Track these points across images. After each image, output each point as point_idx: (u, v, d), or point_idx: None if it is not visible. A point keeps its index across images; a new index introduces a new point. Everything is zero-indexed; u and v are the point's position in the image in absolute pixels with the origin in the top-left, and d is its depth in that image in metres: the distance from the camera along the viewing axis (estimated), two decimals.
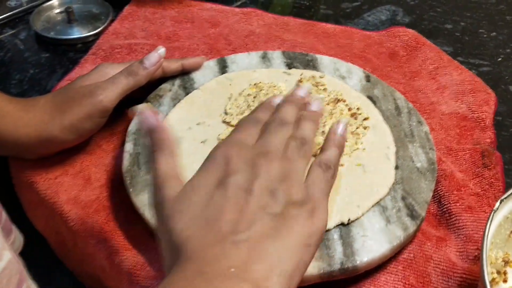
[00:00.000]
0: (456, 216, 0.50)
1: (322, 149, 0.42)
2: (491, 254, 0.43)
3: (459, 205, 0.50)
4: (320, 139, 0.53)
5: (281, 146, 0.39)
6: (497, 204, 0.41)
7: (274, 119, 0.41)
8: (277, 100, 0.44)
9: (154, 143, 0.38)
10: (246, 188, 0.35)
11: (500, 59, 0.71)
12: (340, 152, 0.42)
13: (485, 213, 0.50)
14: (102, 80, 0.53)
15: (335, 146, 0.42)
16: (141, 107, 0.38)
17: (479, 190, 0.52)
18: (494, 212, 0.41)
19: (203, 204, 0.35)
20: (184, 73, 0.61)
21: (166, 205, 0.35)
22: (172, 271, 0.32)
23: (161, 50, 0.55)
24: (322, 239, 0.36)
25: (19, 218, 0.51)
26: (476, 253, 0.47)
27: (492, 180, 0.53)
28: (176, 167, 0.38)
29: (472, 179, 0.53)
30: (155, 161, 0.37)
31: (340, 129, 0.43)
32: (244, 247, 0.33)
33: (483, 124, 0.60)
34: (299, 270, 0.33)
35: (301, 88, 0.46)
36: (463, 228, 0.49)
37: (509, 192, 0.42)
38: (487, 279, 0.37)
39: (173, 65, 0.59)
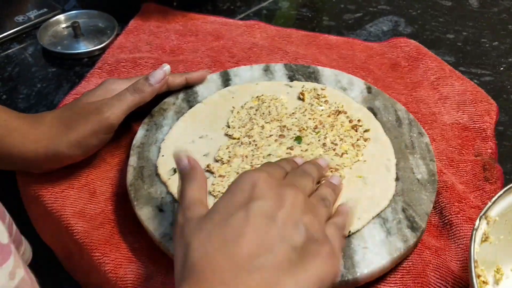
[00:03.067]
0: (457, 227, 0.50)
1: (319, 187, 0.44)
2: (482, 269, 0.43)
3: (460, 216, 0.51)
4: (320, 151, 0.53)
5: (306, 189, 0.40)
6: (477, 222, 0.42)
7: (298, 169, 0.43)
8: (299, 160, 0.47)
9: (184, 174, 0.41)
10: (269, 215, 0.35)
11: (502, 68, 0.72)
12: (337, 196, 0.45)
13: None
14: (108, 96, 0.54)
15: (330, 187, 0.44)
16: (176, 152, 0.43)
17: (480, 203, 0.52)
18: (475, 231, 0.41)
19: (223, 224, 0.35)
20: (188, 87, 0.62)
21: (189, 224, 0.36)
22: (184, 285, 0.33)
23: (166, 67, 0.56)
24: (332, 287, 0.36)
25: (26, 230, 0.52)
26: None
27: (493, 195, 0.53)
28: (202, 195, 0.39)
29: (473, 191, 0.54)
30: (183, 190, 0.39)
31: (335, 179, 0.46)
32: (258, 276, 0.32)
33: (484, 135, 0.60)
34: None
35: (323, 159, 0.48)
36: (464, 238, 0.50)
37: (489, 204, 0.43)
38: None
39: (178, 80, 0.60)
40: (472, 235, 0.41)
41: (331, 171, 0.51)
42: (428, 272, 0.47)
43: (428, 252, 0.48)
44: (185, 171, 0.41)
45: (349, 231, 0.46)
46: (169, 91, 0.61)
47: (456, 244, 0.49)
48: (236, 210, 0.35)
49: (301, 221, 0.36)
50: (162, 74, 0.56)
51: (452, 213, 0.51)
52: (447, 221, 0.51)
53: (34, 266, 0.44)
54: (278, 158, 0.52)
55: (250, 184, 0.37)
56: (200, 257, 0.34)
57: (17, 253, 0.36)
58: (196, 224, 0.36)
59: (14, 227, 0.48)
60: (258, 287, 0.32)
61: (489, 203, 0.43)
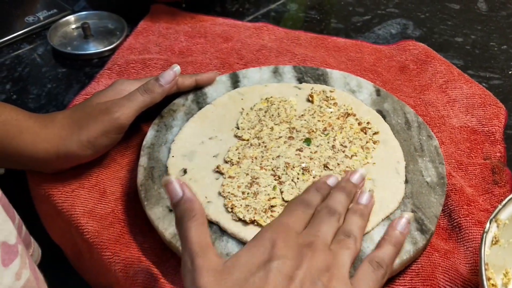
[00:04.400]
0: (466, 230, 0.50)
1: (378, 246, 0.42)
2: (491, 272, 0.43)
3: (469, 219, 0.51)
4: (329, 153, 0.54)
5: (328, 237, 0.40)
6: (487, 225, 0.42)
7: (324, 207, 0.42)
8: (331, 182, 0.45)
9: (183, 213, 0.39)
10: (288, 275, 0.36)
11: (510, 72, 0.72)
12: (397, 252, 0.41)
13: None
14: (118, 96, 0.54)
15: (391, 244, 0.41)
16: (166, 179, 0.40)
17: (489, 207, 0.52)
18: (485, 234, 0.41)
19: (243, 283, 0.35)
20: (198, 88, 0.62)
21: (203, 274, 0.36)
22: None
23: (176, 68, 0.57)
24: None
25: (35, 231, 0.52)
26: None
27: (502, 198, 0.53)
28: (208, 237, 0.39)
29: (482, 194, 0.54)
30: (186, 230, 0.38)
31: (400, 225, 0.43)
32: None
33: (493, 138, 0.60)
34: None
35: (355, 174, 0.46)
36: (473, 241, 0.50)
37: (499, 207, 0.43)
38: None
39: (187, 81, 0.60)
40: (482, 237, 0.41)
41: (344, 174, 0.51)
42: (437, 275, 0.47)
43: (437, 254, 0.48)
44: (182, 207, 0.39)
45: None
46: (179, 92, 0.61)
47: (465, 247, 0.49)
48: (257, 269, 0.36)
49: (319, 280, 0.36)
50: (172, 75, 0.56)
51: (461, 216, 0.51)
52: (456, 224, 0.51)
53: (43, 266, 0.44)
54: (288, 159, 0.52)
55: (270, 242, 0.38)
56: None
57: (25, 254, 0.36)
58: (213, 277, 0.36)
59: (24, 228, 0.48)
60: None
61: (499, 206, 0.43)
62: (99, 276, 0.54)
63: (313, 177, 0.51)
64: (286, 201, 0.49)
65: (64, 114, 0.54)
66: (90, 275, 0.57)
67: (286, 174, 0.51)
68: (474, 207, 0.52)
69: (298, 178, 0.51)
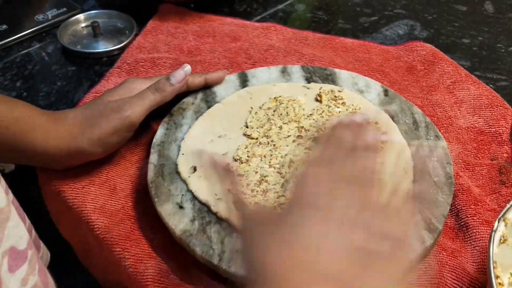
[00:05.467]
0: (473, 229, 0.51)
1: None
2: (499, 271, 0.44)
3: (476, 219, 0.51)
4: None
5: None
6: (496, 224, 0.42)
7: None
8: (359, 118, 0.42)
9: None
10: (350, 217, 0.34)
11: None
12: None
13: None
14: (129, 95, 0.55)
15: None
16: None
17: (496, 206, 0.53)
18: (494, 232, 0.41)
19: (294, 231, 0.33)
20: (207, 87, 0.62)
21: (261, 230, 0.35)
22: None
23: (187, 68, 0.57)
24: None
25: (45, 232, 0.53)
26: None
27: (510, 198, 0.53)
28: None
29: (489, 194, 0.54)
30: (236, 192, 0.38)
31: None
32: (332, 283, 0.31)
33: (500, 139, 0.61)
34: None
35: (359, 118, 0.43)
36: (480, 240, 0.50)
37: (507, 207, 0.43)
38: None
39: (197, 80, 0.61)
40: (490, 236, 0.41)
41: None
42: (444, 273, 0.47)
43: (444, 253, 0.48)
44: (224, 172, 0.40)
45: None
46: (188, 91, 0.62)
47: (472, 246, 0.50)
48: (308, 214, 0.34)
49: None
50: (183, 75, 0.56)
51: (468, 216, 0.51)
52: (463, 223, 0.51)
53: (51, 267, 0.45)
54: (295, 157, 0.53)
55: (315, 187, 0.36)
56: (275, 263, 0.32)
57: (35, 259, 0.36)
58: (270, 230, 0.34)
59: (33, 232, 0.48)
60: None
61: (508, 206, 0.43)
62: (108, 272, 0.54)
63: None
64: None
65: (76, 112, 0.54)
66: (99, 271, 0.57)
67: (290, 171, 0.52)
68: (481, 207, 0.52)
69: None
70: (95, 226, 0.51)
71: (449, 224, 0.52)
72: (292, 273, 0.31)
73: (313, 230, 0.33)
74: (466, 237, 0.51)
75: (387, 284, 0.31)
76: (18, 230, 0.36)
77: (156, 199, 0.50)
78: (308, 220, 0.33)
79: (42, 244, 0.51)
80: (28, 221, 0.47)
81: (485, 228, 0.50)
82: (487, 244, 0.49)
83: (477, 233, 0.50)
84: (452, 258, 0.48)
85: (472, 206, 0.52)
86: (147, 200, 0.52)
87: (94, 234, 0.52)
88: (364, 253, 0.32)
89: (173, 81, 0.56)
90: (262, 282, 0.32)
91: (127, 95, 0.55)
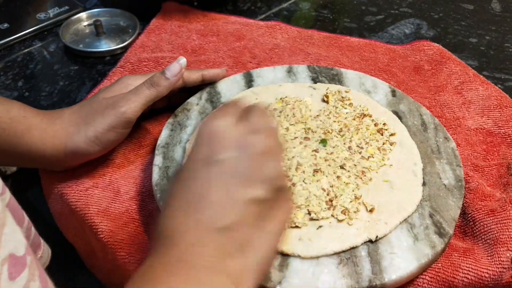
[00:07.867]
0: (480, 222, 0.49)
1: None
2: None
3: (482, 211, 0.50)
4: (345, 154, 0.53)
5: None
6: None
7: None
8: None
9: None
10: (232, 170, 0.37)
11: None
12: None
13: (509, 213, 0.49)
14: (124, 91, 0.54)
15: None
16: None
17: (504, 196, 0.51)
18: None
19: (187, 184, 0.37)
20: (211, 87, 0.61)
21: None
22: (155, 252, 0.36)
23: (182, 60, 0.56)
24: None
25: (46, 231, 0.52)
26: (508, 254, 0.46)
27: None
28: None
29: (499, 189, 0.53)
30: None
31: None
32: (225, 235, 0.34)
33: (509, 140, 0.60)
34: (272, 257, 0.37)
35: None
36: (489, 232, 0.48)
37: None
38: None
39: (194, 76, 0.60)
40: None
41: (361, 175, 0.50)
42: (457, 275, 0.46)
43: (456, 254, 0.47)
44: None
45: (376, 236, 0.46)
46: (192, 91, 0.61)
47: (482, 240, 0.48)
48: (201, 167, 0.37)
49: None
50: (178, 68, 0.55)
51: (474, 210, 0.50)
52: (470, 219, 0.50)
53: (53, 267, 0.44)
54: (303, 160, 0.52)
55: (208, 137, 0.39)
56: (171, 222, 0.36)
57: (34, 264, 0.35)
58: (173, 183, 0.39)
59: (33, 230, 0.47)
60: (226, 245, 0.34)
61: None
62: (113, 276, 0.53)
63: (326, 176, 0.50)
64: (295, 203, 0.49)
65: (71, 110, 0.53)
66: (103, 274, 0.56)
67: (297, 175, 0.51)
68: (489, 201, 0.51)
69: (308, 179, 0.50)
70: (99, 230, 0.51)
71: (458, 223, 0.50)
72: (188, 228, 0.35)
73: (207, 184, 0.36)
74: (474, 232, 0.49)
75: (277, 230, 0.36)
76: (15, 236, 0.35)
77: (161, 202, 0.49)
78: (206, 174, 0.36)
79: (42, 241, 0.50)
80: (27, 219, 0.46)
81: (491, 218, 0.49)
82: (496, 234, 0.47)
83: (485, 225, 0.49)
84: (465, 257, 0.47)
85: (479, 202, 0.51)
86: (151, 203, 0.52)
87: (98, 238, 0.51)
88: (256, 203, 0.35)
89: (168, 75, 0.55)
90: (164, 239, 0.36)
91: (122, 92, 0.54)
